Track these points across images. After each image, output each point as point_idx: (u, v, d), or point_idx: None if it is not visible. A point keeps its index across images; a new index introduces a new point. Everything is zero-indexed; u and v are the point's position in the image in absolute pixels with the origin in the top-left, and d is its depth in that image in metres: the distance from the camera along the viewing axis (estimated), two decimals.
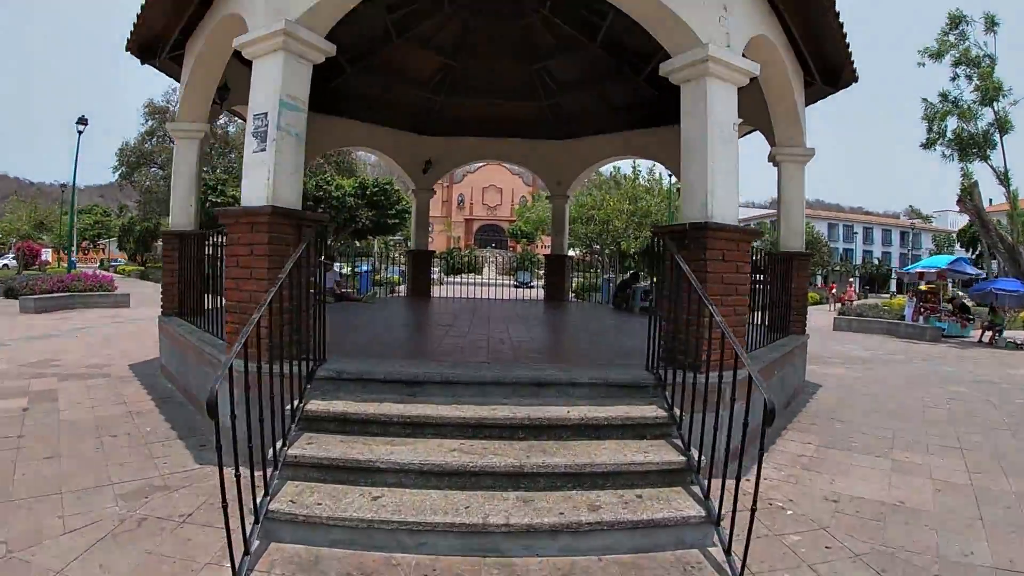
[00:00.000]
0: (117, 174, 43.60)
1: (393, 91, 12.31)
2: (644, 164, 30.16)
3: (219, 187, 29.21)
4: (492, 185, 78.22)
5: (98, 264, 55.39)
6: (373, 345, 5.89)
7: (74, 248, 59.50)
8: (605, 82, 11.86)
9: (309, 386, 4.34)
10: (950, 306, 19.68)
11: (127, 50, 8.25)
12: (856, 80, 8.71)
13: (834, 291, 37.62)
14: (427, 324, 8.15)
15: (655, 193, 29.11)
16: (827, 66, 8.48)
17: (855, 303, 27.52)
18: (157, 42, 8.21)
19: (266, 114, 4.84)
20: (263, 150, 4.79)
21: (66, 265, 40.78)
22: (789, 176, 8.51)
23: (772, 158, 8.58)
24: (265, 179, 4.68)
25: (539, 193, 57.93)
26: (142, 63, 8.53)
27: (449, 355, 5.30)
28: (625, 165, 29.67)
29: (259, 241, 4.60)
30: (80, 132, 25.24)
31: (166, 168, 41.86)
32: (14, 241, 42.32)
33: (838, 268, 50.39)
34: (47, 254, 52.57)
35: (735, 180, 5.11)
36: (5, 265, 45.48)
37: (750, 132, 11.09)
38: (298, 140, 4.88)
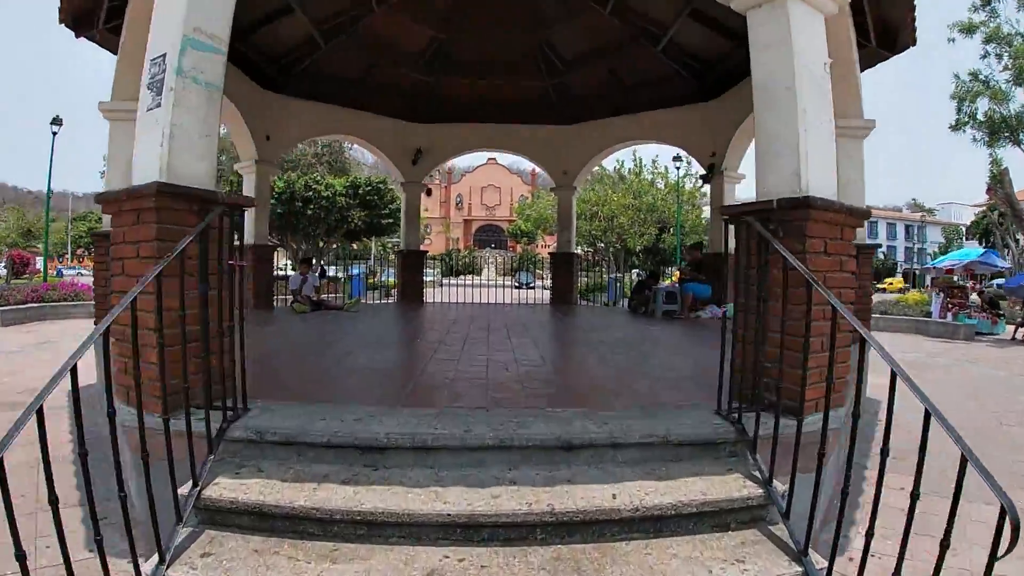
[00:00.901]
0: (104, 179, 41.99)
1: (376, 70, 10.83)
2: (647, 156, 28.59)
3: None
4: (491, 185, 76.75)
5: (91, 271, 54.15)
6: (329, 376, 4.36)
7: (68, 255, 58.89)
8: (617, 55, 10.40)
9: (212, 457, 2.84)
10: (979, 301, 18.33)
11: (60, 22, 7.00)
12: (914, 43, 7.36)
13: None
14: (410, 341, 6.63)
15: (659, 186, 27.59)
16: (885, 23, 7.12)
17: None
18: (92, 8, 6.88)
19: (164, 56, 3.35)
20: (158, 105, 3.30)
21: (54, 273, 39.57)
22: (846, 154, 7.02)
23: None
24: (157, 146, 3.20)
25: (539, 191, 56.30)
26: (76, 35, 7.31)
27: (431, 392, 3.79)
28: (627, 158, 28.11)
29: (145, 237, 3.12)
30: (54, 134, 23.79)
31: None
32: (3, 250, 41.26)
33: None
34: (41, 262, 51.51)
35: (831, 140, 3.64)
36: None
37: None
38: (209, 93, 3.38)
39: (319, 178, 26.43)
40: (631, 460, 2.91)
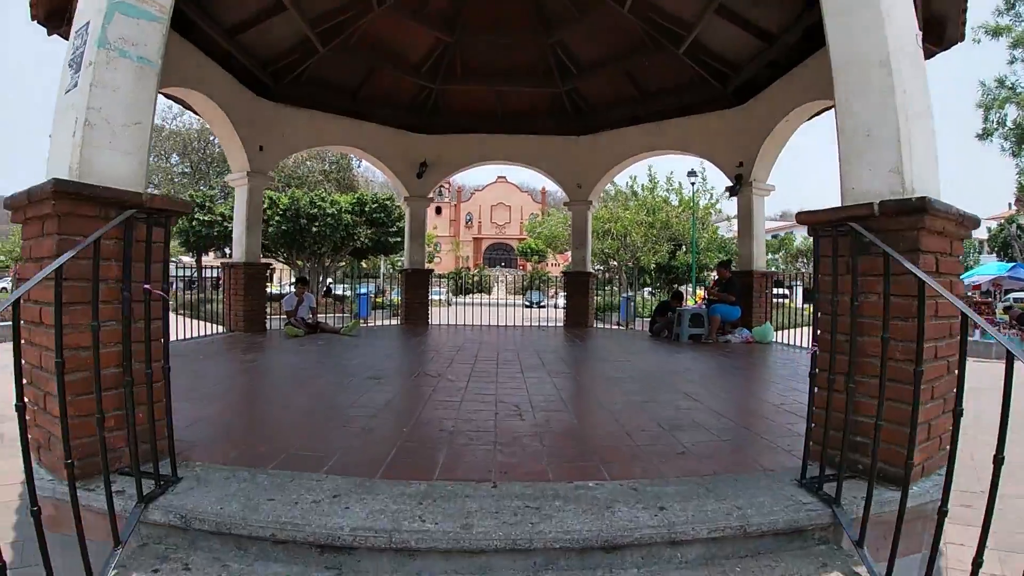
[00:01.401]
0: None
1: (377, 77, 10.18)
2: (661, 171, 27.84)
3: (207, 204, 27.13)
4: (501, 203, 76.28)
5: None
6: (296, 427, 3.53)
7: None
8: (636, 59, 9.68)
9: (119, 550, 2.06)
10: (1008, 318, 17.40)
11: (33, 19, 6.44)
12: (962, 38, 6.68)
13: None
14: (407, 374, 5.81)
15: (674, 202, 26.76)
16: (933, 15, 6.44)
17: None
18: (65, 4, 6.32)
19: (87, 24, 2.65)
20: (75, 86, 2.59)
21: None
22: None
23: None
24: (70, 136, 2.47)
25: (549, 210, 55.66)
26: (49, 33, 6.77)
27: (423, 453, 2.98)
28: (640, 173, 27.23)
29: (47, 252, 2.39)
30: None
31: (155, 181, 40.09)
32: (11, 265, 40.96)
33: None
34: None
35: (933, 129, 2.86)
36: (4, 288, 44.19)
37: (820, 113, 8.86)
38: (141, 70, 2.66)
39: (324, 195, 25.74)
40: (695, 560, 2.10)
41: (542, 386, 4.76)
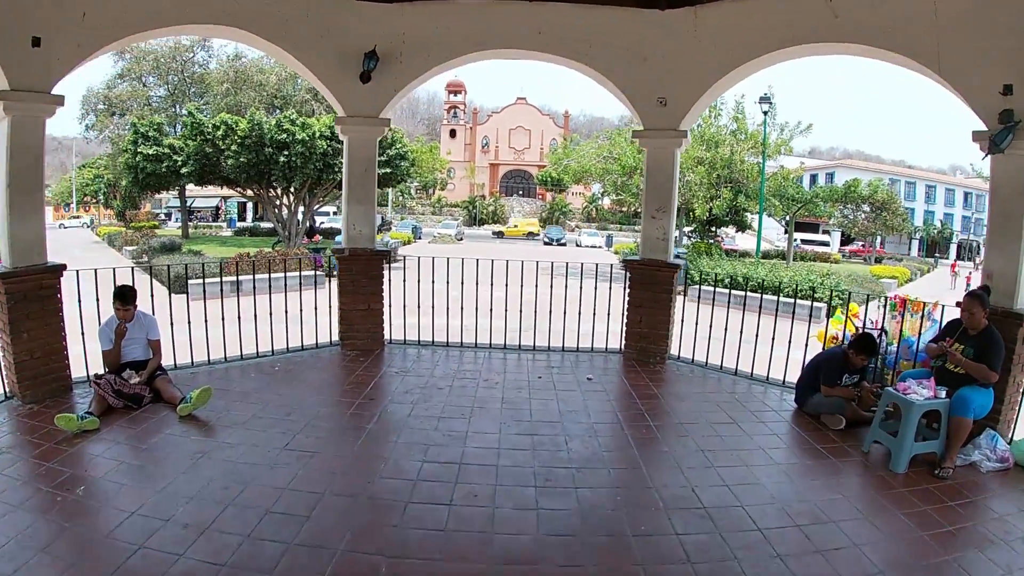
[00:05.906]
0: (84, 124, 37.15)
1: None
2: (729, 96, 21.84)
3: (151, 134, 22.06)
4: (520, 126, 70.03)
5: (85, 223, 50.66)
6: None
7: (73, 204, 54.73)
8: None
9: None
10: None
11: None
12: None
13: (956, 271, 27.72)
14: None
15: (742, 136, 20.93)
16: None
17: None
18: None
19: None
20: None
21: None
22: None
23: None
24: None
25: (572, 135, 48.77)
26: None
27: None
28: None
29: None
30: None
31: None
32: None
33: (900, 229, 39.85)
34: (48, 214, 48.61)
35: None
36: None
37: None
38: None
39: (294, 117, 20.53)
40: None
41: None
